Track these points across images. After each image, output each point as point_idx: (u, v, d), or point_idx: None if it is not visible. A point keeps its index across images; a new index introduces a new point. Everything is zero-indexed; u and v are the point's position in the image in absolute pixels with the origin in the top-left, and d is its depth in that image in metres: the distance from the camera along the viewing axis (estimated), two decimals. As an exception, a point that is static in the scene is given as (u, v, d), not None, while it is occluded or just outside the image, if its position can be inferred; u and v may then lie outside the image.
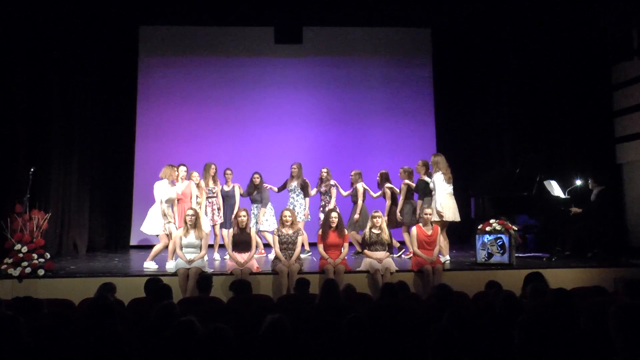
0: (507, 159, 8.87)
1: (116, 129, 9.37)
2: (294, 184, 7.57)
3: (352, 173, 7.64)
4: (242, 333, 2.98)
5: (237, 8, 8.87)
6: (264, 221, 7.42)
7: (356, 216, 7.36)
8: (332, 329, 3.11)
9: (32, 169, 6.40)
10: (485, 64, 9.43)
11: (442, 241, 6.60)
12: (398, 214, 7.18)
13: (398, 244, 7.47)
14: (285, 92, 9.76)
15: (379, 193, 7.60)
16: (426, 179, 6.99)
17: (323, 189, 7.54)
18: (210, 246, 7.67)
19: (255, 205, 7.52)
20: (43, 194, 7.19)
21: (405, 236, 7.10)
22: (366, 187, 7.63)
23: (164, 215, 6.53)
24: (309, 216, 7.62)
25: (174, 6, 8.77)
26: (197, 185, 7.02)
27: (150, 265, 6.34)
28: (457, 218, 6.67)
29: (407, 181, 7.17)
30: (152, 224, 6.58)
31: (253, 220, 7.37)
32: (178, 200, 6.76)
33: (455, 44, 9.70)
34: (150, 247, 8.91)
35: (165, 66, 9.72)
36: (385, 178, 7.55)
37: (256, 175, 7.55)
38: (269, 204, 7.54)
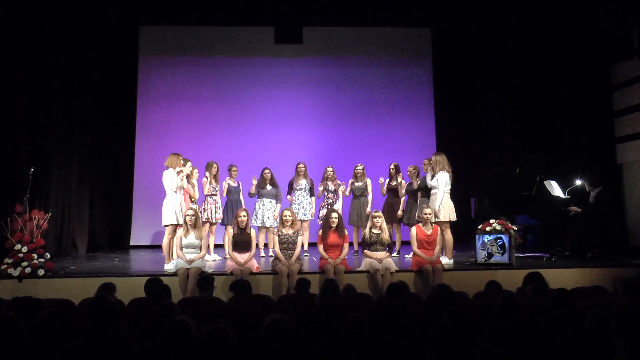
0: (507, 159, 8.87)
1: (116, 129, 9.38)
2: (304, 182, 7.57)
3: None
4: (242, 333, 2.98)
5: (237, 8, 8.86)
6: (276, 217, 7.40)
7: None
8: (332, 329, 3.11)
9: (32, 169, 6.39)
10: (485, 63, 9.43)
11: (448, 241, 6.59)
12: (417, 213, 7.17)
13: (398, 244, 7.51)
14: (285, 92, 9.76)
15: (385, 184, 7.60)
16: (427, 178, 6.99)
17: (332, 187, 7.54)
18: (220, 246, 7.70)
19: (268, 199, 7.47)
20: (43, 194, 7.18)
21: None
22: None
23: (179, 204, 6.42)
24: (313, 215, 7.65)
25: (174, 6, 8.76)
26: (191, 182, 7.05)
27: (170, 267, 6.18)
28: (454, 217, 6.66)
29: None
30: (166, 215, 6.40)
31: (266, 216, 7.38)
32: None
33: (455, 44, 9.70)
34: (151, 247, 8.97)
35: (165, 66, 9.73)
36: (399, 170, 7.56)
37: (267, 171, 7.56)
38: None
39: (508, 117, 9.10)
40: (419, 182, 7.28)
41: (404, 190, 7.39)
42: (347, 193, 7.60)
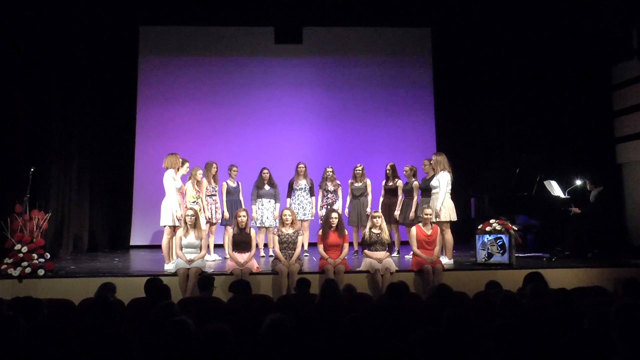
0: (507, 159, 8.87)
1: (116, 129, 9.37)
2: (304, 182, 7.57)
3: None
4: (242, 333, 2.98)
5: (237, 8, 8.88)
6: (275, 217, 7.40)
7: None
8: (332, 329, 3.11)
9: (32, 169, 6.39)
10: (486, 63, 9.43)
11: (448, 241, 6.59)
12: (413, 212, 7.16)
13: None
14: (285, 92, 9.76)
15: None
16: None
17: (331, 187, 7.55)
18: (220, 246, 7.70)
19: (267, 199, 7.48)
20: (43, 194, 7.18)
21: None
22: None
23: (179, 204, 6.45)
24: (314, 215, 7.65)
25: (174, 6, 8.77)
26: (199, 183, 7.04)
27: (170, 267, 6.19)
28: (454, 217, 6.66)
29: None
30: (164, 215, 6.45)
31: (265, 216, 7.39)
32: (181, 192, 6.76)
33: (455, 44, 9.69)
34: (150, 247, 8.96)
35: (165, 66, 9.72)
36: (395, 171, 7.55)
37: (265, 171, 7.56)
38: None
39: (508, 117, 9.09)
40: (414, 181, 7.29)
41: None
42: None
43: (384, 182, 7.61)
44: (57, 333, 3.04)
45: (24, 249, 5.79)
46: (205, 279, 4.81)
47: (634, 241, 7.95)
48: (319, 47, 9.93)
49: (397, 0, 8.78)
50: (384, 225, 6.32)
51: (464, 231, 8.23)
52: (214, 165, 7.41)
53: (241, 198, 7.58)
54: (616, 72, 8.39)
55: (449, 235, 6.61)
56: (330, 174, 7.55)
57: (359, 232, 7.35)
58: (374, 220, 6.22)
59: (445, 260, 6.46)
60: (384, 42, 9.99)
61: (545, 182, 7.33)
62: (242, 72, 9.78)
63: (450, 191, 6.64)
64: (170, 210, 6.38)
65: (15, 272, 5.71)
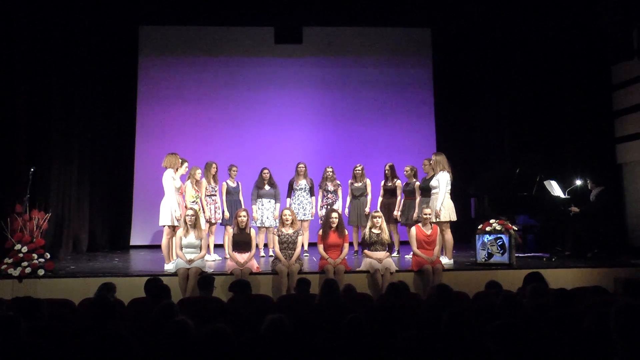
0: (507, 159, 8.87)
1: (116, 129, 9.38)
2: (304, 182, 7.58)
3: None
4: (242, 333, 2.98)
5: (237, 8, 8.87)
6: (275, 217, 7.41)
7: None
8: (332, 329, 3.11)
9: (32, 169, 6.39)
10: (486, 63, 9.43)
11: (448, 241, 6.59)
12: (415, 213, 7.16)
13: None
14: (285, 92, 9.77)
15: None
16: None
17: (331, 187, 7.55)
18: (220, 246, 7.70)
19: (267, 199, 7.49)
20: (43, 194, 7.17)
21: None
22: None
23: (178, 204, 6.46)
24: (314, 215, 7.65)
25: (174, 6, 8.77)
26: (198, 182, 7.04)
27: (170, 267, 6.20)
28: (454, 217, 6.65)
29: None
30: (163, 215, 6.45)
31: (265, 216, 7.39)
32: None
33: (455, 44, 9.70)
34: (150, 247, 8.96)
35: (165, 66, 9.72)
36: (394, 171, 7.54)
37: (265, 171, 7.56)
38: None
39: (508, 117, 9.09)
40: (415, 182, 7.29)
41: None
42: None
43: (382, 182, 7.61)
44: (57, 333, 3.04)
45: (24, 249, 5.79)
46: (205, 279, 4.82)
47: (634, 241, 7.95)
48: (319, 47, 9.93)
49: (397, 0, 8.78)
50: (384, 225, 6.31)
51: (464, 231, 8.23)
52: (214, 165, 7.41)
53: (241, 198, 7.58)
54: (616, 72, 8.39)
55: (448, 235, 6.60)
56: (330, 174, 7.55)
57: (359, 232, 7.35)
58: (374, 220, 6.22)
59: (445, 260, 6.46)
60: (384, 42, 10.00)
61: (545, 182, 7.34)
62: (242, 72, 9.78)
63: (450, 191, 6.64)
64: (169, 210, 6.38)
65: (15, 272, 5.71)
